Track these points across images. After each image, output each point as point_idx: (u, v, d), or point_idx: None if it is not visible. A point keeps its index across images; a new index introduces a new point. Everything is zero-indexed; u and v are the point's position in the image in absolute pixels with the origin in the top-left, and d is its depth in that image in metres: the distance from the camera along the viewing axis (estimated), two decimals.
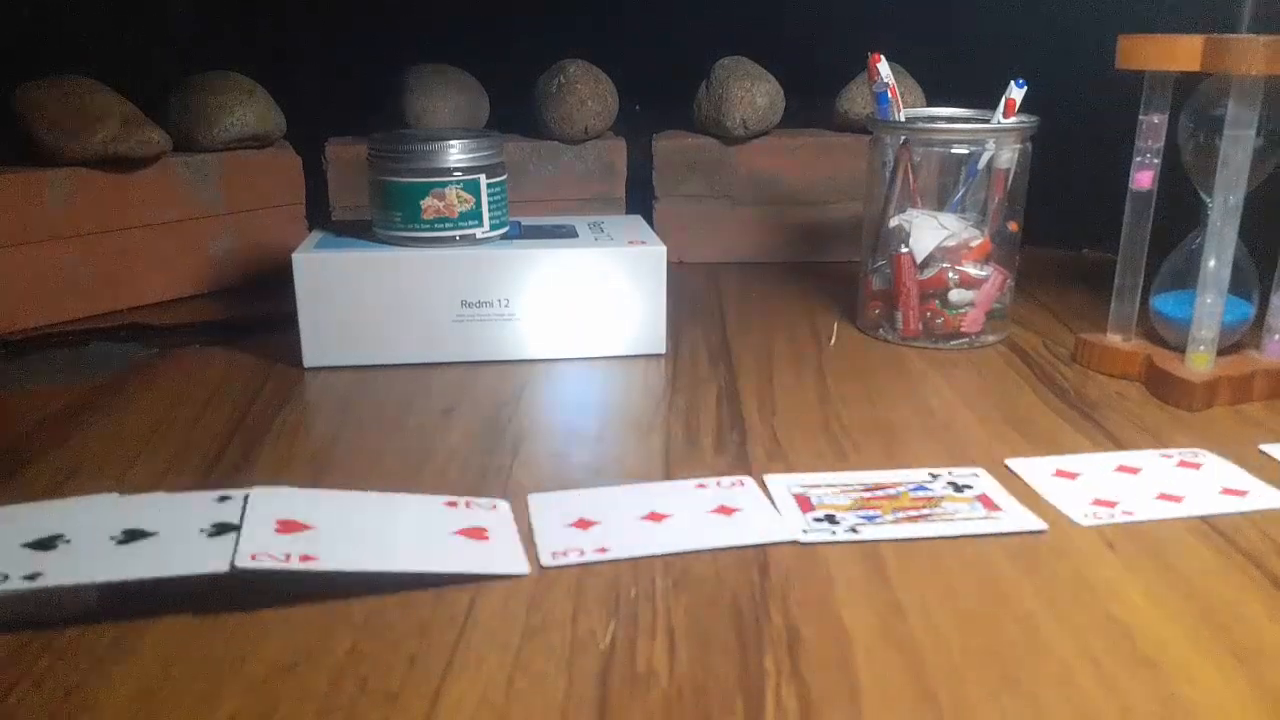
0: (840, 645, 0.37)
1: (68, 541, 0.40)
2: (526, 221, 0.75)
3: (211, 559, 0.39)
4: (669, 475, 0.51)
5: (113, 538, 0.41)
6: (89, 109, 0.76)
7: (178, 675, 0.36)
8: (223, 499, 0.44)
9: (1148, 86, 0.62)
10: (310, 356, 0.66)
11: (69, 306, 0.77)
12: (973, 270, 0.70)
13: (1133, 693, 0.35)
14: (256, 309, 0.79)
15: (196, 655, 0.37)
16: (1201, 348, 0.61)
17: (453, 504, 0.47)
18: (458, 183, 0.65)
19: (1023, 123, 0.68)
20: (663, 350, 0.70)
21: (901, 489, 0.49)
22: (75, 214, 0.76)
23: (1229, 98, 0.57)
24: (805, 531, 0.45)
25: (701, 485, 0.50)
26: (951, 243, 0.69)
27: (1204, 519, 0.47)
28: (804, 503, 0.48)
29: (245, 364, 0.68)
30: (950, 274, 0.70)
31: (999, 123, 0.68)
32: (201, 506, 0.43)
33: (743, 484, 0.50)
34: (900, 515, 0.47)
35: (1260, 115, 0.57)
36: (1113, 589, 0.41)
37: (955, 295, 0.70)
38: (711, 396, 0.62)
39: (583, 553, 0.43)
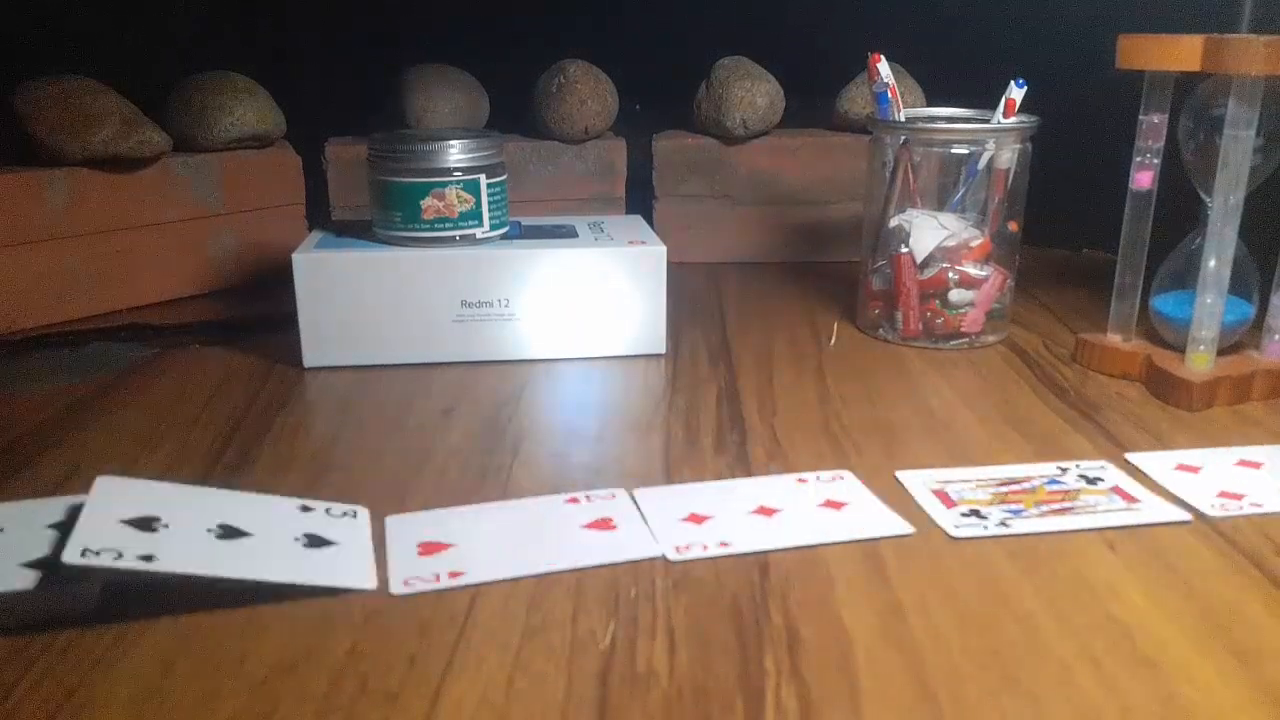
0: (840, 645, 0.37)
1: (166, 526, 0.40)
2: (526, 221, 0.75)
3: (319, 573, 0.40)
4: (669, 476, 0.51)
5: (210, 530, 0.41)
6: (89, 109, 0.76)
7: (178, 675, 0.36)
8: (305, 509, 0.45)
9: (1148, 86, 0.62)
10: (310, 356, 0.66)
11: (69, 306, 0.77)
12: (973, 270, 0.70)
13: (1133, 693, 0.35)
14: (256, 309, 0.79)
15: (196, 655, 0.37)
16: (1201, 348, 0.61)
17: (574, 500, 0.48)
18: (458, 183, 0.65)
19: (1023, 123, 0.68)
20: (663, 350, 0.70)
21: (1035, 482, 0.50)
22: (75, 214, 0.76)
23: (1229, 98, 0.57)
24: (956, 527, 0.46)
25: (802, 480, 0.50)
26: (951, 243, 0.69)
27: (1203, 519, 0.47)
28: (945, 499, 0.48)
29: (245, 364, 0.68)
30: (950, 274, 0.70)
31: (999, 123, 0.68)
32: (287, 510, 0.44)
33: (842, 478, 0.51)
34: (1045, 509, 0.47)
35: (1260, 115, 0.57)
36: (1113, 589, 0.41)
37: (955, 295, 0.70)
38: (711, 396, 0.62)
39: (706, 547, 0.44)
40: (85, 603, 0.39)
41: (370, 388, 0.64)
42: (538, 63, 0.94)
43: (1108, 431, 0.57)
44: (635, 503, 0.48)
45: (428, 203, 0.65)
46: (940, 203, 0.71)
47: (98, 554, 0.37)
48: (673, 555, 0.43)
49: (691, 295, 0.85)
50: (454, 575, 0.41)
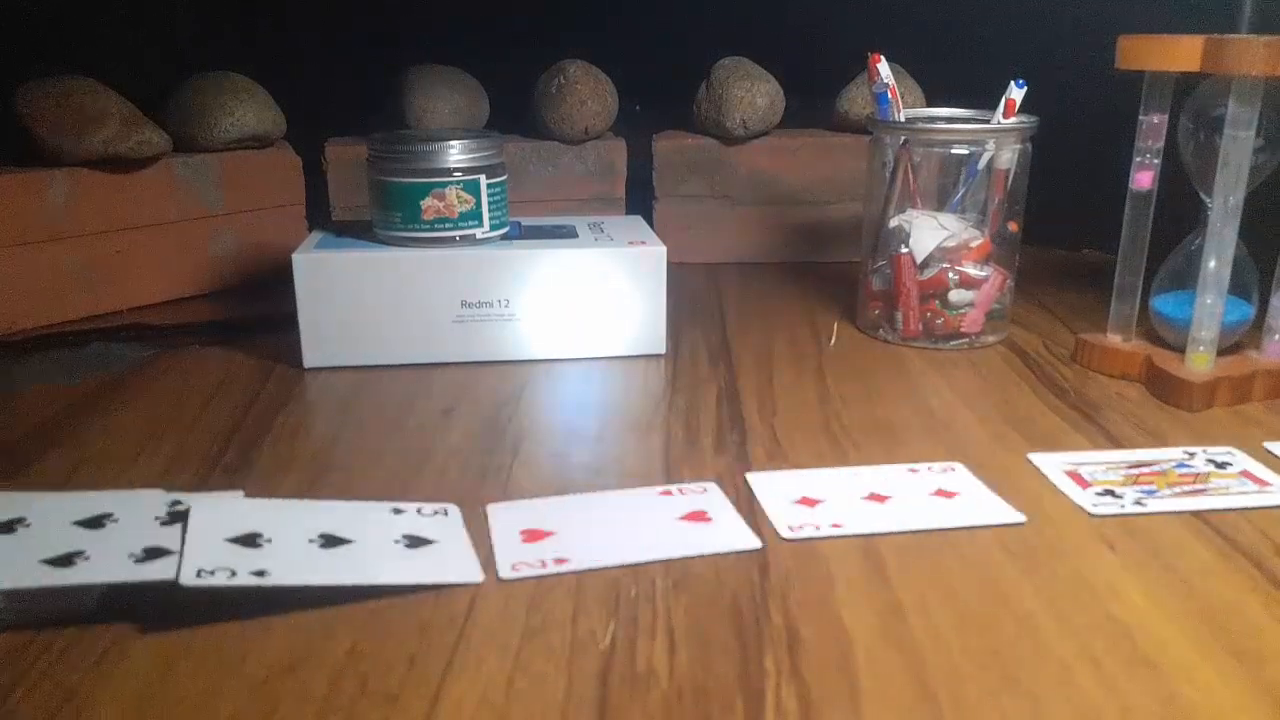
0: (840, 645, 0.37)
1: (269, 541, 0.41)
2: (526, 221, 0.75)
3: (427, 570, 0.41)
4: (669, 476, 0.51)
5: (311, 541, 0.42)
6: (89, 109, 0.76)
7: (178, 675, 0.36)
8: (397, 511, 0.46)
9: (1148, 86, 0.62)
10: (310, 356, 0.66)
11: (69, 306, 0.77)
12: (973, 270, 0.70)
13: (1133, 693, 0.35)
14: (256, 309, 0.79)
15: (196, 655, 0.37)
16: (1201, 348, 0.61)
17: (668, 492, 0.49)
18: (458, 183, 0.65)
19: (1023, 123, 0.68)
20: (663, 350, 0.70)
21: (1165, 465, 0.52)
22: (75, 214, 0.76)
23: (1229, 98, 0.57)
24: (1095, 506, 0.48)
25: (913, 470, 0.52)
26: (951, 243, 0.69)
27: (1204, 518, 0.47)
28: (1079, 479, 0.50)
29: (245, 364, 0.68)
30: (950, 274, 0.70)
31: (999, 123, 0.68)
32: (381, 514, 0.45)
33: (954, 469, 0.52)
34: (1178, 490, 0.49)
35: (1260, 115, 0.57)
36: (1113, 589, 0.41)
37: (955, 295, 0.70)
38: (711, 396, 0.62)
39: (818, 527, 0.45)
40: (86, 602, 0.39)
41: (370, 388, 0.64)
42: (538, 63, 0.94)
43: (1108, 432, 0.57)
44: (727, 496, 0.49)
45: (428, 203, 0.65)
46: (940, 203, 0.71)
47: (212, 573, 0.38)
48: (785, 533, 0.45)
49: (691, 295, 0.85)
50: (559, 561, 0.42)
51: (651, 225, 0.77)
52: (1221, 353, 0.62)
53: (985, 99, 0.70)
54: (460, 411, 0.60)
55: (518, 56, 0.97)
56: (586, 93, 0.90)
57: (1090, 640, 0.38)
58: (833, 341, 0.73)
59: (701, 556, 0.43)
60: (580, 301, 0.67)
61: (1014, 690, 0.35)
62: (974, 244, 0.70)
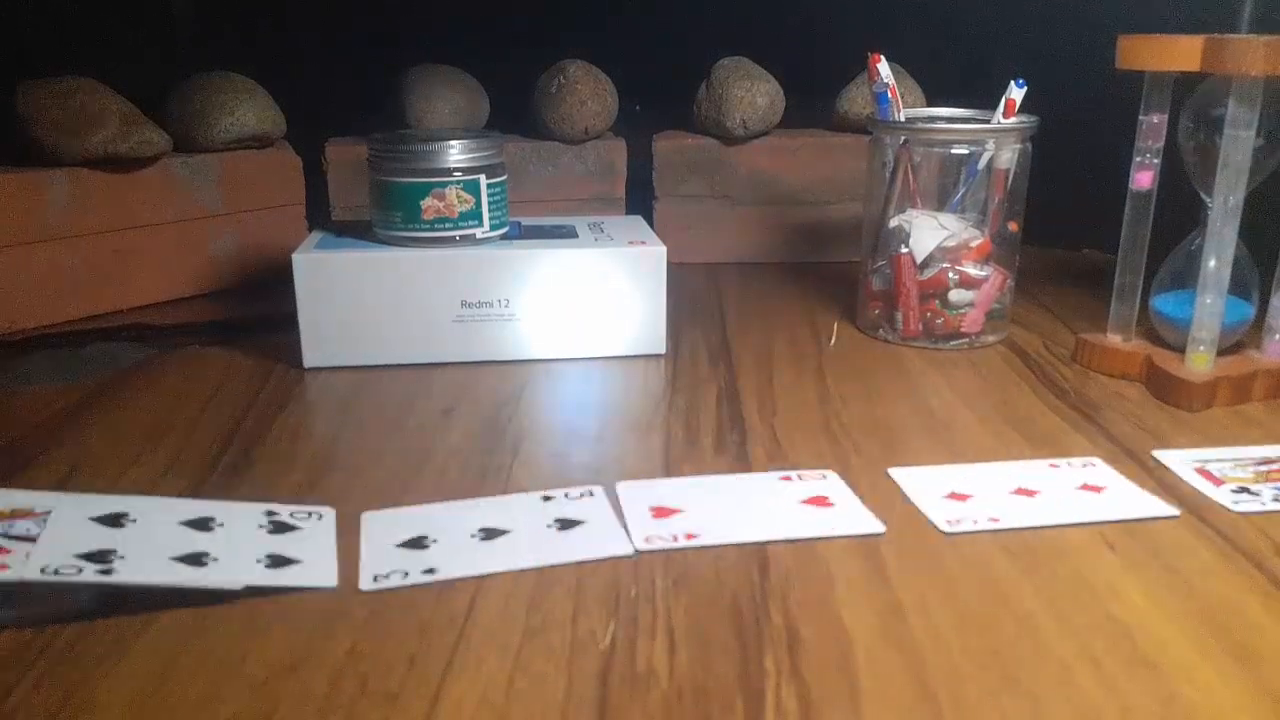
0: (840, 645, 0.37)
1: (435, 541, 0.44)
2: (526, 221, 0.75)
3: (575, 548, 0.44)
4: (669, 476, 0.51)
5: (473, 536, 0.45)
6: (89, 109, 0.76)
7: (178, 675, 0.36)
8: (547, 499, 0.48)
9: (1148, 86, 0.62)
10: (310, 356, 0.66)
11: (69, 306, 0.77)
12: (973, 270, 0.70)
13: (1133, 693, 0.35)
14: (256, 309, 0.79)
15: (196, 655, 0.37)
16: (1201, 348, 0.61)
17: (787, 478, 0.51)
18: (458, 183, 0.65)
19: (1023, 123, 0.68)
20: (663, 350, 0.70)
21: None
22: (75, 214, 0.76)
23: (1229, 98, 0.57)
24: (1235, 502, 0.48)
25: (1054, 465, 0.52)
26: (951, 243, 0.69)
27: (1203, 519, 0.47)
28: (1210, 477, 0.51)
29: (245, 364, 0.68)
30: (950, 274, 0.70)
31: (999, 123, 0.68)
32: (531, 503, 0.48)
33: (1094, 465, 0.52)
34: None
35: (1260, 115, 0.57)
36: (1113, 589, 0.41)
37: (955, 295, 0.70)
38: (711, 396, 0.62)
39: (976, 521, 0.46)
40: (85, 599, 0.39)
41: (370, 388, 0.64)
42: (538, 63, 0.94)
43: (1108, 432, 0.57)
44: (848, 484, 0.50)
45: (428, 203, 0.65)
46: (940, 203, 0.71)
47: (388, 577, 0.41)
48: (945, 527, 0.46)
49: (691, 295, 0.85)
50: (690, 537, 0.45)
51: (651, 225, 0.77)
52: (1221, 353, 0.62)
53: (985, 99, 0.70)
54: (460, 411, 0.60)
55: (518, 56, 0.97)
56: (586, 93, 0.90)
57: (1090, 640, 0.38)
58: (833, 341, 0.73)
59: (825, 539, 0.45)
60: (580, 301, 0.67)
61: (1014, 690, 0.35)
62: (974, 244, 0.70)
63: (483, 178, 0.66)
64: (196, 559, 0.41)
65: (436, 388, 0.64)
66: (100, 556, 0.40)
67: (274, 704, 0.34)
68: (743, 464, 0.53)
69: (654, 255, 0.68)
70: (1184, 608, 0.40)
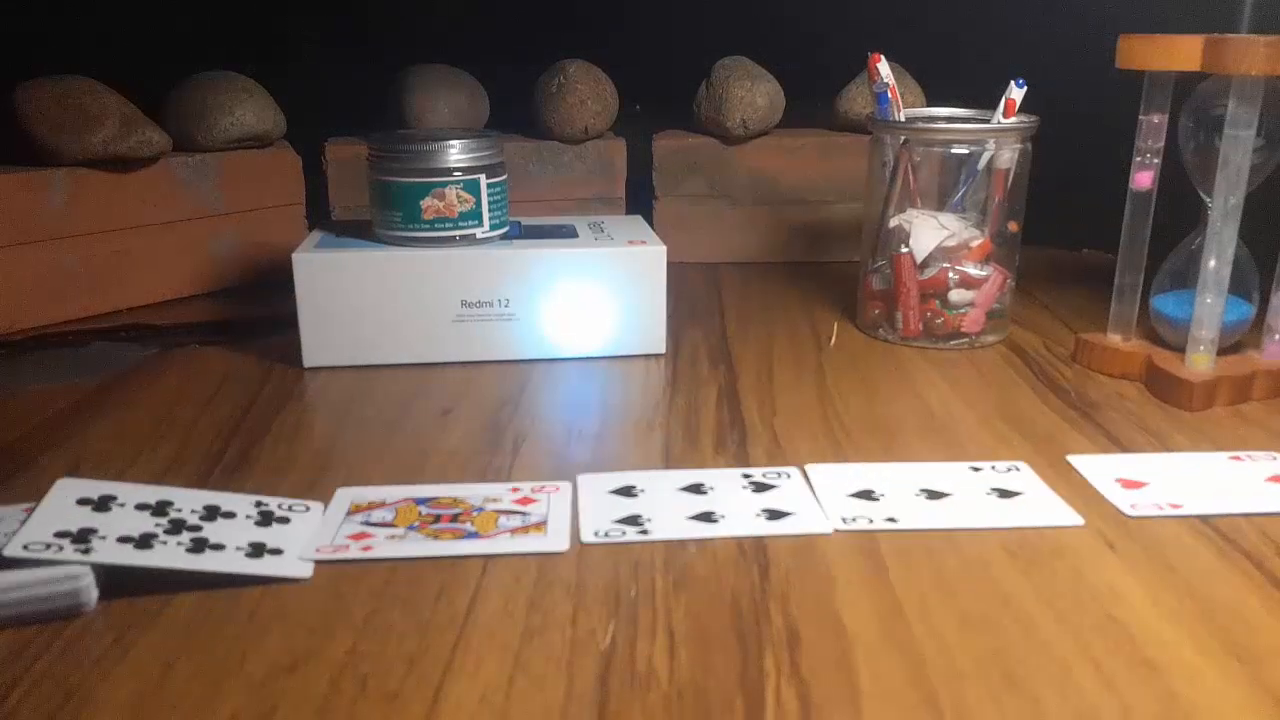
0: (840, 645, 0.37)
1: (884, 495, 0.49)
2: (526, 221, 0.75)
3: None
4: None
5: (917, 495, 0.49)
6: (89, 109, 0.76)
7: (178, 675, 0.36)
8: (975, 469, 0.52)
9: (1148, 86, 0.62)
10: (310, 356, 0.66)
11: (69, 306, 0.77)
12: (973, 270, 0.70)
13: (1133, 693, 0.35)
14: (256, 309, 0.79)
15: (196, 655, 0.37)
16: (1201, 348, 0.61)
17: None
18: (458, 183, 0.65)
19: (1023, 123, 0.68)
20: (663, 350, 0.70)
21: None
22: (75, 214, 0.76)
23: (1229, 98, 0.57)
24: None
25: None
26: (951, 243, 0.69)
27: (1203, 519, 0.47)
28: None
29: (245, 364, 0.68)
30: (950, 274, 0.70)
31: (999, 123, 0.68)
32: (960, 473, 0.51)
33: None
34: None
35: (1260, 115, 0.57)
36: (1113, 589, 0.41)
37: (955, 295, 0.70)
38: (711, 396, 0.62)
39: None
40: (84, 598, 0.39)
41: (370, 388, 0.64)
42: (538, 63, 0.94)
43: (1108, 431, 0.57)
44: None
45: (428, 203, 0.65)
46: (940, 203, 0.71)
47: (854, 520, 0.46)
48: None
49: (691, 295, 0.85)
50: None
51: (651, 225, 0.77)
52: (1221, 353, 0.62)
53: (985, 99, 0.70)
54: (460, 411, 0.60)
55: (518, 56, 0.97)
56: (586, 93, 0.90)
57: (1090, 640, 0.38)
58: (833, 341, 0.73)
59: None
60: (580, 301, 0.67)
61: (1014, 690, 0.35)
62: (974, 244, 0.70)
63: (483, 178, 0.66)
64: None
65: (436, 388, 0.64)
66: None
67: (274, 704, 0.34)
68: (742, 464, 0.53)
69: (654, 255, 0.68)
70: (1184, 607, 0.40)
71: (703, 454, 0.54)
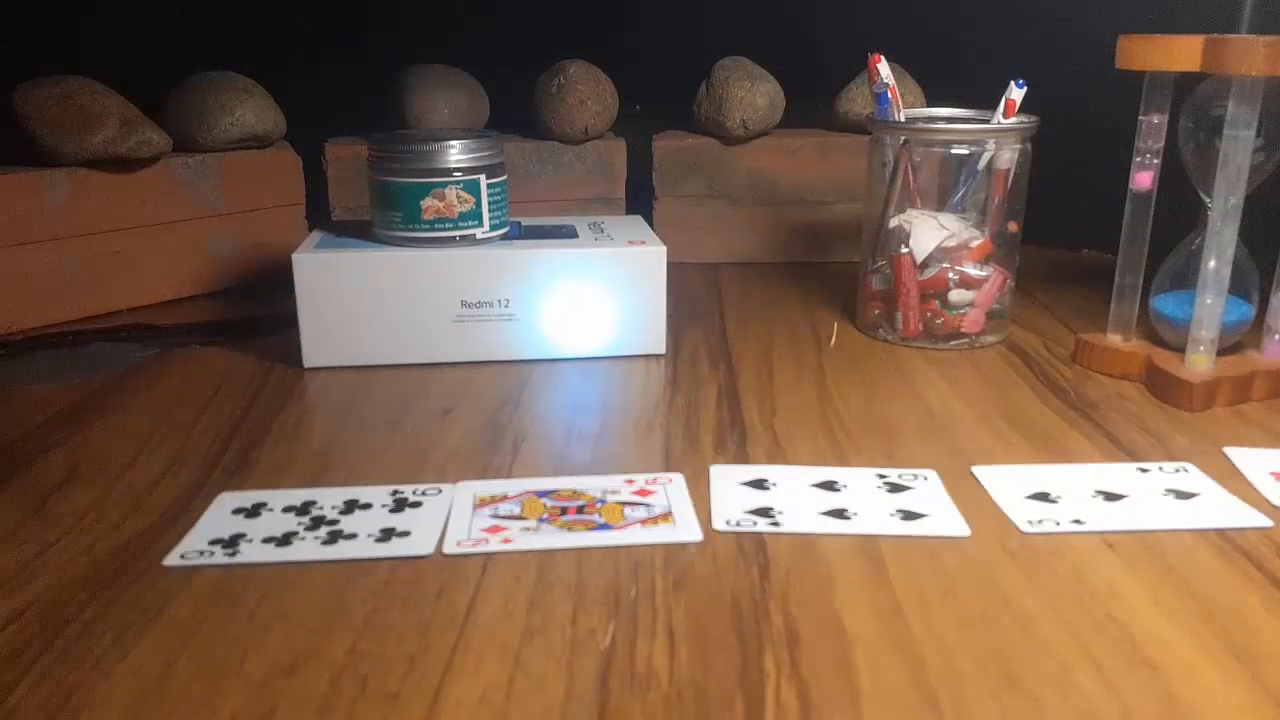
0: (840, 645, 0.37)
1: (1060, 497, 0.49)
2: (526, 221, 0.75)
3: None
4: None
5: (1094, 496, 0.49)
6: (89, 109, 0.76)
7: (178, 675, 0.36)
8: (1142, 470, 0.52)
9: (1148, 86, 0.62)
10: (310, 356, 0.66)
11: (69, 306, 0.77)
12: (973, 270, 0.70)
13: (1133, 693, 0.35)
14: (256, 309, 0.79)
15: (196, 655, 0.37)
16: (1201, 348, 0.61)
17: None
18: (458, 183, 0.65)
19: (1023, 123, 0.68)
20: (663, 350, 0.70)
21: None
22: (75, 214, 0.76)
23: (1229, 98, 0.57)
24: None
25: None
26: (951, 243, 0.69)
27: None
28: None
29: (245, 364, 0.68)
30: (950, 274, 0.70)
31: (999, 123, 0.68)
32: (1129, 475, 0.52)
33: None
34: None
35: (1260, 115, 0.57)
36: (1113, 589, 0.41)
37: (955, 295, 0.70)
38: (711, 396, 0.62)
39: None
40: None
41: (370, 388, 0.64)
42: (538, 63, 0.94)
43: (1107, 432, 0.57)
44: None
45: (428, 203, 0.65)
46: (940, 203, 0.71)
47: (1040, 523, 0.46)
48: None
49: (691, 295, 0.85)
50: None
51: (651, 225, 0.77)
52: (1221, 353, 0.62)
53: (985, 99, 0.70)
54: (460, 411, 0.60)
55: (518, 56, 0.97)
56: (586, 93, 0.90)
57: (1090, 640, 0.38)
58: (833, 341, 0.73)
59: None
60: (580, 301, 0.67)
61: (1014, 690, 0.35)
62: (974, 244, 0.70)
63: (483, 178, 0.66)
64: None
65: (436, 388, 0.64)
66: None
67: (274, 704, 0.34)
68: (742, 464, 0.53)
69: (654, 255, 0.68)
70: (1184, 607, 0.40)
71: (703, 454, 0.54)
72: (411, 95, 0.91)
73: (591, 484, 0.50)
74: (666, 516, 0.47)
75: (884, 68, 0.69)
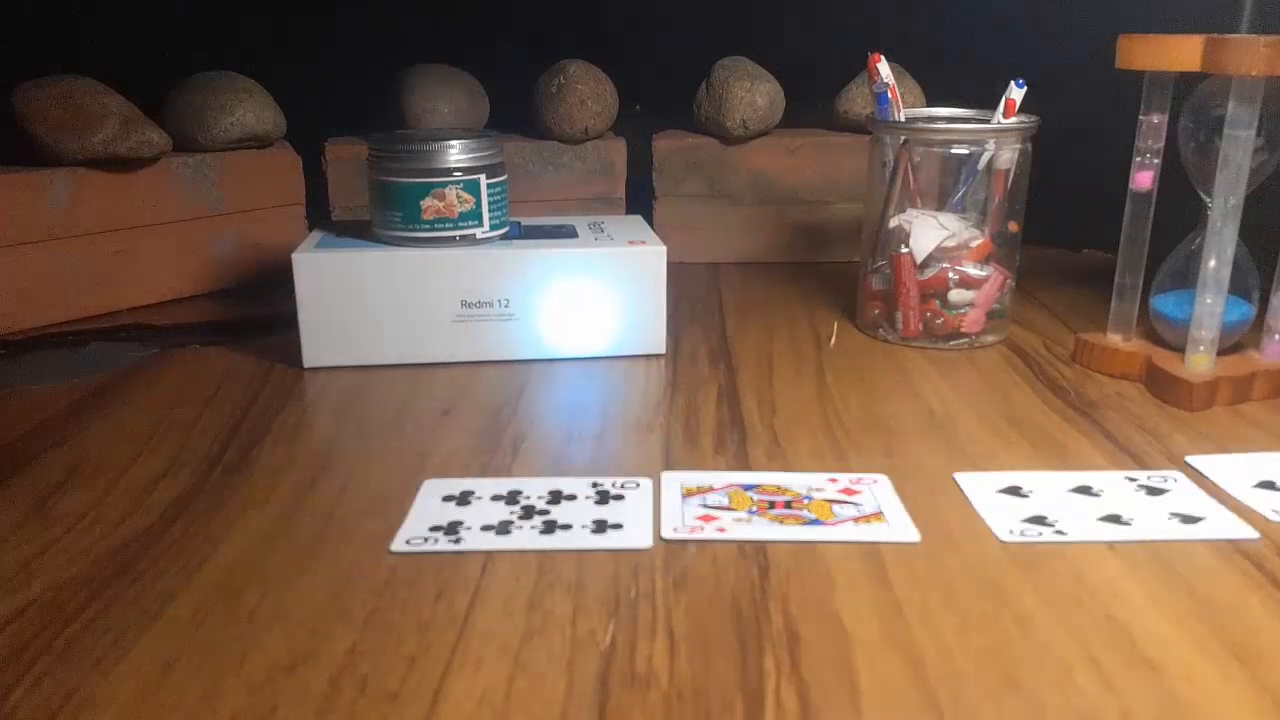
0: (840, 645, 0.37)
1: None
2: (526, 221, 0.75)
3: None
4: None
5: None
6: (89, 109, 0.76)
7: (178, 675, 0.36)
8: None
9: (1148, 86, 0.62)
10: (310, 356, 0.66)
11: (69, 306, 0.77)
12: (973, 270, 0.70)
13: (1133, 693, 0.35)
14: (256, 309, 0.79)
15: (196, 655, 0.37)
16: (1201, 348, 0.61)
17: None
18: (458, 183, 0.65)
19: (1023, 123, 0.68)
20: (663, 350, 0.70)
21: None
22: (75, 214, 0.76)
23: (1229, 98, 0.57)
24: None
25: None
26: (951, 243, 0.69)
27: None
28: None
29: (245, 364, 0.68)
30: (950, 274, 0.70)
31: (999, 123, 0.68)
32: None
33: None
34: None
35: (1260, 115, 0.57)
36: (1113, 589, 0.41)
37: (955, 295, 0.70)
38: (711, 396, 0.62)
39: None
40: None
41: (370, 388, 0.64)
42: (538, 63, 0.94)
43: (1108, 431, 0.57)
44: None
45: (428, 203, 0.65)
46: (940, 203, 0.71)
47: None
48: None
49: (691, 295, 0.85)
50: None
51: (651, 225, 0.77)
52: (1221, 353, 0.62)
53: (985, 99, 0.70)
54: (460, 411, 0.60)
55: (518, 56, 0.97)
56: (586, 93, 0.90)
57: (1090, 640, 0.38)
58: (833, 341, 0.73)
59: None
60: (580, 301, 0.67)
61: (1014, 690, 0.35)
62: (974, 244, 0.70)
63: (483, 178, 0.66)
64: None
65: (436, 388, 0.64)
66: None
67: (274, 704, 0.34)
68: (742, 464, 0.53)
69: (654, 255, 0.68)
70: (1184, 607, 0.40)
71: (703, 454, 0.54)
72: (411, 95, 0.91)
73: (793, 480, 0.51)
74: (878, 516, 0.47)
75: (884, 68, 0.69)
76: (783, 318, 0.79)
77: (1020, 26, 0.94)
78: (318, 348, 0.66)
